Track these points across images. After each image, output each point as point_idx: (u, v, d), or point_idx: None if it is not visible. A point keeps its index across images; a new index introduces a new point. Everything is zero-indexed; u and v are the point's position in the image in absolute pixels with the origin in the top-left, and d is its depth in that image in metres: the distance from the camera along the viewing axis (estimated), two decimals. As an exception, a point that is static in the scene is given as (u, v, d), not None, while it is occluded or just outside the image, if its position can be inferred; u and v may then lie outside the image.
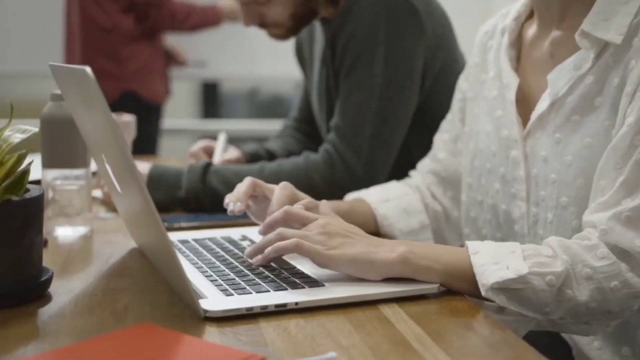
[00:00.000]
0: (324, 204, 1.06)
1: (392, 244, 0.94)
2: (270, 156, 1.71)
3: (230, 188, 1.39)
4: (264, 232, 1.00)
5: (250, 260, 0.99)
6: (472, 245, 0.94)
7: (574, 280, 0.90)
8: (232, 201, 1.12)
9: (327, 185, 1.41)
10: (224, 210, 1.11)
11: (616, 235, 0.92)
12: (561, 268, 0.90)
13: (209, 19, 3.26)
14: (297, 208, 1.01)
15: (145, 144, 3.02)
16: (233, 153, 1.69)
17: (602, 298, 0.90)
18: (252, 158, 1.69)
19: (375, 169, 1.44)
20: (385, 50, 1.43)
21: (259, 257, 0.97)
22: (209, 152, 1.75)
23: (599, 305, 0.91)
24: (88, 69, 0.79)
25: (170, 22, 3.13)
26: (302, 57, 1.76)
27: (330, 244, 0.93)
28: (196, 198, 1.39)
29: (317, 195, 1.20)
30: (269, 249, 0.95)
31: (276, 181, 1.40)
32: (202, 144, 1.76)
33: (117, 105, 2.84)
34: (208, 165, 1.43)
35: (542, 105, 1.08)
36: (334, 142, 1.45)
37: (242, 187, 1.13)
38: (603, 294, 0.90)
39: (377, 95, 1.43)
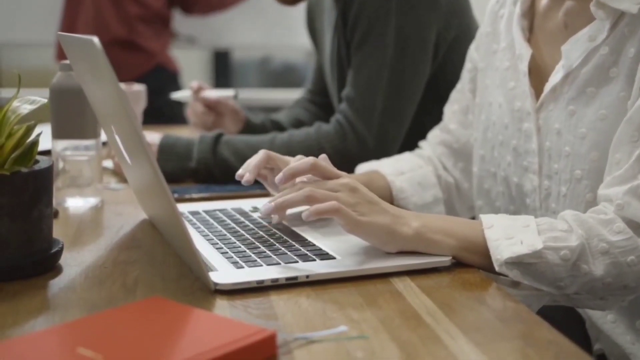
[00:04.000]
0: (323, 158, 1.02)
1: (409, 218, 0.92)
2: (276, 127, 1.70)
3: (241, 159, 1.38)
4: (284, 180, 0.96)
5: (272, 218, 1.00)
6: (486, 218, 0.93)
7: (589, 254, 0.89)
8: (243, 170, 1.09)
9: (339, 155, 1.40)
10: (235, 182, 1.10)
11: (632, 209, 0.90)
12: (576, 242, 0.89)
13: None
14: (324, 162, 0.97)
15: (178, 111, 3.02)
16: (235, 105, 1.69)
17: (618, 273, 0.89)
18: (258, 128, 1.68)
19: (386, 140, 1.43)
20: (397, 20, 1.41)
21: (308, 212, 0.90)
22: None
23: (614, 280, 0.90)
24: (96, 39, 0.78)
25: (204, 9, 3.14)
26: (314, 28, 1.74)
27: (360, 210, 0.91)
28: (207, 169, 1.39)
29: None
30: (306, 212, 0.89)
31: (287, 151, 1.40)
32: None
33: (149, 77, 2.83)
34: (219, 135, 1.42)
35: (555, 77, 1.06)
36: (346, 112, 1.44)
37: (253, 160, 1.09)
38: (619, 269, 0.89)
39: (389, 66, 1.42)
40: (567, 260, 0.88)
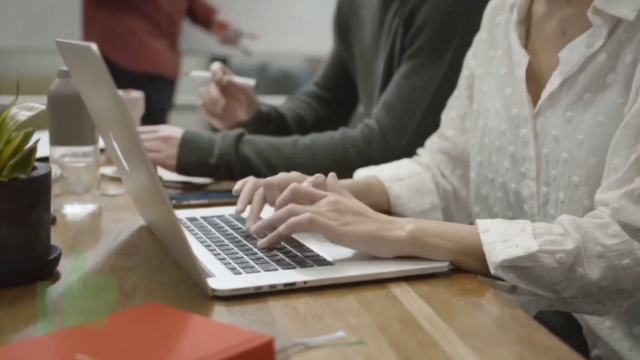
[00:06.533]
0: (332, 177, 1.03)
1: (402, 222, 0.93)
2: (280, 118, 1.68)
3: (263, 158, 1.38)
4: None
5: (259, 240, 0.98)
6: (482, 223, 0.93)
7: (585, 258, 0.90)
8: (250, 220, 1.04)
9: (363, 161, 1.39)
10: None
11: (628, 213, 0.91)
12: (572, 246, 0.89)
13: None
14: (305, 186, 0.99)
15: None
16: (252, 95, 1.64)
17: (613, 276, 0.90)
18: (264, 117, 1.64)
19: (413, 153, 1.42)
20: (459, 42, 1.40)
21: (272, 235, 0.95)
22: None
23: (610, 283, 0.90)
24: (94, 46, 0.79)
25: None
26: (347, 23, 1.69)
27: (343, 220, 0.92)
28: (228, 165, 1.38)
29: (351, 171, 1.27)
30: (282, 226, 0.92)
31: (310, 154, 1.39)
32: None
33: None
34: (241, 135, 1.41)
35: (553, 84, 1.06)
36: (380, 117, 1.43)
37: (253, 206, 1.05)
38: (614, 272, 0.90)
39: (438, 84, 1.41)
40: (563, 264, 0.88)
